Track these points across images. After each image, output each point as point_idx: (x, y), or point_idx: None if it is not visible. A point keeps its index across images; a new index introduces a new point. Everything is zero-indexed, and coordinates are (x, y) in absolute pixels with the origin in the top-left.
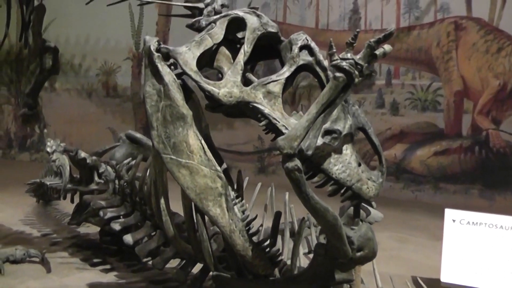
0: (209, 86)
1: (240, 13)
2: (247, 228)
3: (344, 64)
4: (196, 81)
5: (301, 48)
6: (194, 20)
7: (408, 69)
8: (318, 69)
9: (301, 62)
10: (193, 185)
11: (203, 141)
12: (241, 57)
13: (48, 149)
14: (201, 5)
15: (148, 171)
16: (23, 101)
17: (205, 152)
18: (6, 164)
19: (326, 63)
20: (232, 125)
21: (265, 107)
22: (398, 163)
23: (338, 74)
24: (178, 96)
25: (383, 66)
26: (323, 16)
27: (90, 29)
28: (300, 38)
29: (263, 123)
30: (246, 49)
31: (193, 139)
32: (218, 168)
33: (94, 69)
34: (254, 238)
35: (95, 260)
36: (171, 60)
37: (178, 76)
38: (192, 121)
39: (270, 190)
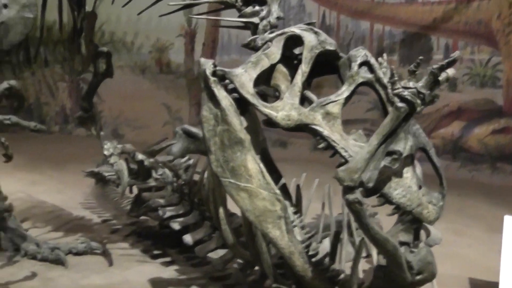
0: (267, 109)
1: (297, 30)
2: (306, 250)
3: (406, 93)
4: (253, 105)
5: (360, 65)
6: (249, 39)
7: (467, 43)
8: (378, 86)
9: (360, 80)
10: (252, 208)
11: (261, 165)
12: (299, 78)
13: (106, 152)
14: (256, 19)
15: (206, 174)
16: (79, 104)
17: (263, 175)
18: (63, 139)
19: (386, 80)
20: None
21: (324, 129)
22: (455, 141)
23: (400, 105)
24: (235, 121)
25: (441, 40)
26: None
27: (141, 7)
28: (359, 54)
29: (322, 145)
30: (304, 69)
31: (252, 163)
32: (277, 191)
33: (146, 46)
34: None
35: (155, 252)
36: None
37: (234, 90)
38: (250, 145)
39: (327, 189)
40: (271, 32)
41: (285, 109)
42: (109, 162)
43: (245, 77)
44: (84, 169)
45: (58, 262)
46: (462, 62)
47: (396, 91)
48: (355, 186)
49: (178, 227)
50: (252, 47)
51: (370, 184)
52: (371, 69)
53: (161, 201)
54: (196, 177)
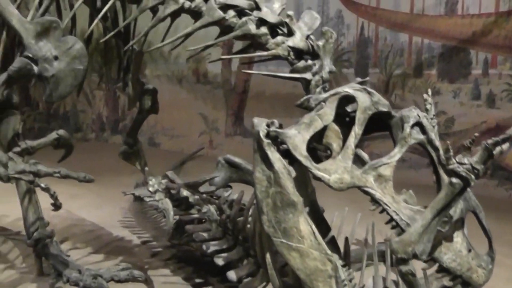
0: (320, 172)
1: (350, 90)
2: None
3: (461, 169)
4: (307, 167)
5: (413, 126)
6: (303, 99)
7: (506, 58)
8: (430, 148)
9: (412, 142)
10: (303, 267)
11: (313, 226)
12: (352, 140)
13: (151, 189)
14: (308, 75)
15: (251, 213)
16: (123, 139)
17: (315, 236)
18: (99, 147)
19: (438, 142)
20: None
21: (376, 191)
22: (492, 159)
23: (455, 181)
24: (288, 183)
25: (480, 55)
26: (418, 0)
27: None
28: (412, 115)
29: (373, 208)
30: (357, 131)
31: (304, 224)
32: (328, 251)
33: (183, 56)
34: None
35: (197, 281)
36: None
37: (287, 151)
38: (303, 207)
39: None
40: (323, 88)
41: (338, 172)
42: (154, 198)
43: (298, 138)
44: (121, 181)
45: None
46: (501, 78)
47: (451, 167)
48: (408, 258)
49: (222, 263)
50: (306, 107)
51: (424, 257)
52: (423, 130)
53: (205, 235)
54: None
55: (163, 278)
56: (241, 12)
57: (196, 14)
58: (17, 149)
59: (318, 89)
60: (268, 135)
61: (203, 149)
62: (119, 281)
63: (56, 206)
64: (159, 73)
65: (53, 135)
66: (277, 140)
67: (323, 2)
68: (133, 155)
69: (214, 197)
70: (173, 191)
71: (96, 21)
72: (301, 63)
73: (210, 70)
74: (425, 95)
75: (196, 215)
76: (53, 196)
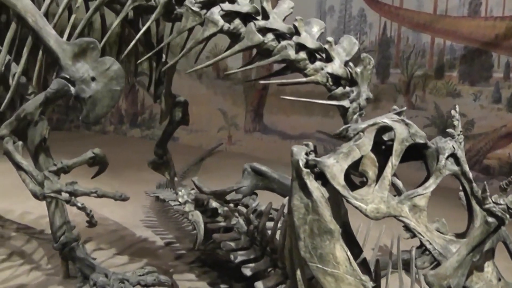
0: (357, 201)
1: (388, 121)
2: None
3: (497, 209)
4: (344, 197)
5: (447, 157)
6: (341, 129)
7: None
8: (463, 179)
9: (446, 173)
10: None
11: (348, 252)
12: (389, 171)
13: (180, 200)
14: (346, 103)
15: (280, 224)
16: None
17: (350, 262)
18: (118, 140)
19: (471, 175)
20: None
21: (411, 221)
22: (511, 163)
23: (490, 220)
24: (326, 212)
25: (502, 58)
26: (441, 0)
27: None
28: (447, 147)
29: (407, 236)
30: (394, 162)
31: (340, 251)
32: (363, 277)
33: (204, 51)
34: None
35: (222, 286)
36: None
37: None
38: (339, 235)
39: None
40: (360, 115)
41: (374, 202)
42: (183, 209)
43: (336, 168)
44: (142, 177)
45: None
46: None
47: (487, 207)
48: None
49: (250, 273)
50: (344, 136)
51: None
52: (457, 161)
53: (233, 244)
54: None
55: (188, 283)
56: (279, 35)
57: (234, 36)
58: (53, 168)
59: (355, 116)
60: (307, 164)
61: (222, 145)
62: (146, 285)
63: (92, 224)
64: (179, 68)
65: (89, 154)
66: (314, 168)
67: (346, 0)
68: (162, 165)
69: (241, 205)
70: (202, 203)
71: (134, 41)
72: (339, 90)
73: (230, 66)
74: (452, 111)
75: (222, 223)
76: (89, 215)
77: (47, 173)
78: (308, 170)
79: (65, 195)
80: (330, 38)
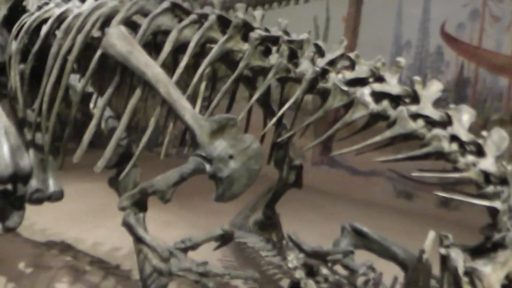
0: None
1: None
2: None
3: None
4: None
5: None
6: (499, 236)
7: None
8: None
9: None
10: None
11: None
12: None
13: (290, 265)
14: (497, 204)
15: None
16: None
17: None
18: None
19: None
20: None
21: None
22: None
23: None
24: None
25: None
26: None
27: None
28: None
29: None
30: None
31: None
32: None
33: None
34: None
35: None
36: None
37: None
38: None
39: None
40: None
41: None
42: (294, 275)
43: (493, 278)
44: (212, 207)
45: None
46: None
47: None
48: None
49: None
50: (501, 244)
51: None
52: None
53: None
54: None
55: None
56: (429, 123)
57: (381, 118)
58: (181, 245)
59: (505, 219)
60: (466, 273)
61: None
62: None
63: None
64: (247, 95)
65: (218, 231)
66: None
67: (423, 36)
68: (270, 226)
69: (343, 266)
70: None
71: (251, 101)
72: (490, 189)
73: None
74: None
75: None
76: None
77: (174, 250)
78: (467, 280)
79: (195, 275)
80: (484, 133)
